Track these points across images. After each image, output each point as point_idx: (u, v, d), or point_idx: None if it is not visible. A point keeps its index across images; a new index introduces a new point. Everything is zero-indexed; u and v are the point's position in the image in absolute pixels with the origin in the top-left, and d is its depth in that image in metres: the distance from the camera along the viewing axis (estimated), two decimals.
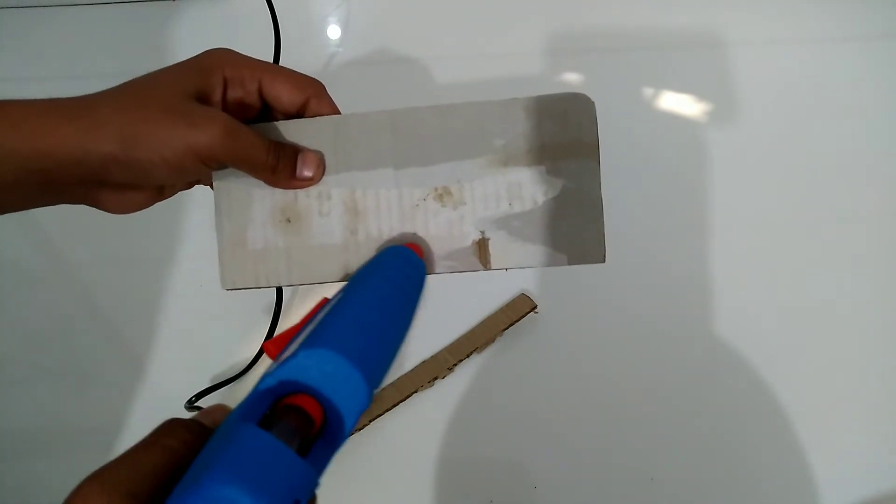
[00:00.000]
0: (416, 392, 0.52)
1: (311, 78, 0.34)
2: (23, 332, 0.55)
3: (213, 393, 0.51)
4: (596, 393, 0.53)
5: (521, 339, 0.55)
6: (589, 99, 0.33)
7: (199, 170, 0.31)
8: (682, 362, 0.54)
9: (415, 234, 0.34)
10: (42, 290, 0.57)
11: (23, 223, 0.59)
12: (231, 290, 0.34)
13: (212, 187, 0.34)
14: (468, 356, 0.53)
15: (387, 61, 0.63)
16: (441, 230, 0.34)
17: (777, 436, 0.52)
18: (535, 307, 0.55)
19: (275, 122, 0.34)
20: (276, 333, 0.52)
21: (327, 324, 0.26)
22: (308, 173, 0.33)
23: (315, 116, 0.34)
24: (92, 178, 0.29)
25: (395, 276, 0.30)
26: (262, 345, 0.28)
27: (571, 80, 0.63)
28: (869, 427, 0.53)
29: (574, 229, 0.33)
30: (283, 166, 0.33)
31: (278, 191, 0.34)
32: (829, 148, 0.61)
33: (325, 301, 0.30)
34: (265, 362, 0.53)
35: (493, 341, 0.54)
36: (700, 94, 0.63)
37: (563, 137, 0.33)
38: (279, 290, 0.51)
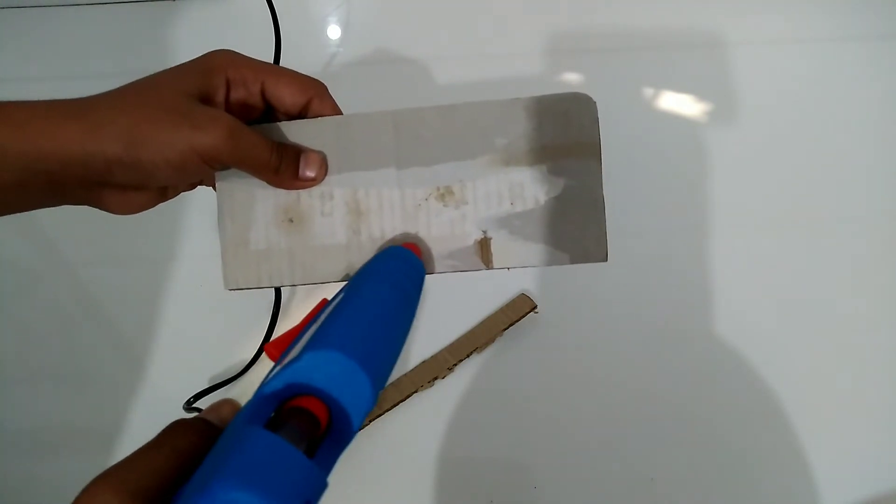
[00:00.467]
0: (416, 392, 0.52)
1: (314, 79, 0.34)
2: (23, 332, 0.55)
3: (212, 394, 0.51)
4: (596, 393, 0.53)
5: (521, 339, 0.55)
6: (590, 99, 0.33)
7: (203, 171, 0.31)
8: (682, 362, 0.54)
9: (417, 233, 0.34)
10: (42, 290, 0.57)
11: (23, 223, 0.59)
12: (234, 290, 0.34)
13: (214, 188, 0.34)
14: (468, 356, 0.53)
15: (387, 61, 0.63)
16: (443, 230, 0.34)
17: (777, 436, 0.52)
18: (535, 307, 0.55)
19: (277, 123, 0.34)
20: (274, 334, 0.52)
21: (331, 325, 0.26)
22: (311, 173, 0.33)
23: (317, 117, 0.34)
24: (95, 179, 0.29)
25: (395, 277, 0.30)
26: (263, 347, 0.28)
27: (571, 80, 0.63)
28: (869, 427, 0.53)
29: (576, 228, 0.33)
30: (286, 167, 0.33)
31: (281, 191, 0.34)
32: (829, 148, 0.61)
33: (325, 302, 0.30)
34: (263, 363, 0.53)
35: (493, 341, 0.54)
36: (700, 94, 0.63)
37: (565, 137, 0.33)
38: (277, 291, 0.51)
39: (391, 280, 0.30)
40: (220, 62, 0.32)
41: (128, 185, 0.31)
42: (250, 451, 0.21)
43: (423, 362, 0.53)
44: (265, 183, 0.34)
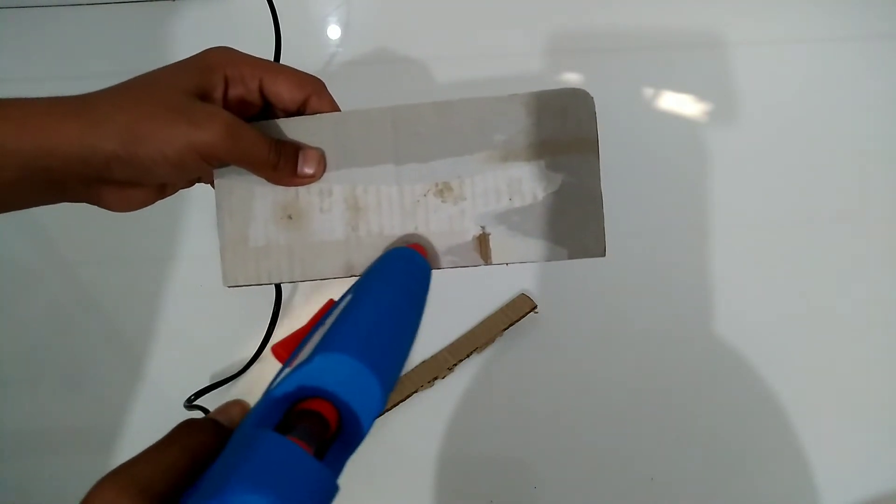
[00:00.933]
0: (416, 392, 0.52)
1: (312, 76, 0.34)
2: (23, 332, 0.55)
3: (212, 392, 0.51)
4: (596, 393, 0.53)
5: (521, 339, 0.55)
6: (588, 94, 0.33)
7: (201, 167, 0.31)
8: (682, 363, 0.54)
9: (416, 228, 0.34)
10: (42, 290, 0.57)
11: (23, 223, 0.59)
12: (232, 287, 0.34)
13: (213, 185, 0.34)
14: (468, 356, 0.53)
15: (387, 61, 0.63)
16: (442, 226, 0.34)
17: (777, 436, 0.52)
18: (535, 307, 0.55)
19: (276, 120, 0.34)
20: (275, 333, 0.52)
21: (340, 328, 0.26)
22: (309, 170, 0.33)
23: (316, 114, 0.34)
24: (94, 176, 0.29)
25: (402, 279, 0.30)
26: (271, 348, 0.28)
27: (571, 80, 0.63)
28: (869, 427, 0.53)
29: (574, 224, 0.33)
30: (285, 163, 0.33)
31: (279, 188, 0.34)
32: (828, 148, 0.61)
33: (332, 303, 0.30)
34: (264, 361, 0.53)
35: (493, 341, 0.54)
36: (700, 94, 0.63)
37: (563, 133, 0.33)
38: (278, 289, 0.51)
39: (398, 282, 0.30)
40: (219, 59, 0.32)
41: (126, 182, 0.31)
42: (262, 454, 0.21)
43: (423, 362, 0.53)
44: (264, 180, 0.34)
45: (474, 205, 0.34)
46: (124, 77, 0.31)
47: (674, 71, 0.64)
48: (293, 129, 0.34)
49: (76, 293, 0.57)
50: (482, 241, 0.34)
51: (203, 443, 0.23)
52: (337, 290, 0.31)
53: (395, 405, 0.51)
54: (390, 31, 0.64)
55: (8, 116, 0.27)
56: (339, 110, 0.35)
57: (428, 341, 0.54)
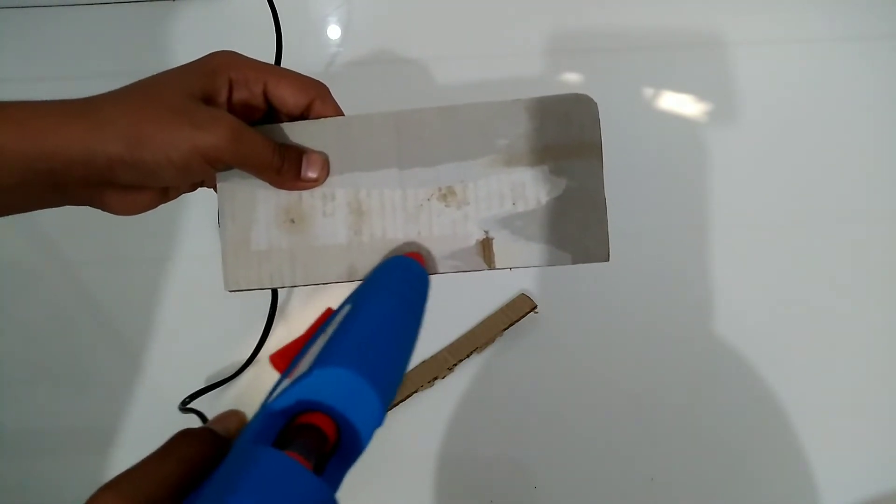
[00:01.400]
0: (416, 392, 0.52)
1: (316, 80, 0.34)
2: (23, 332, 0.55)
3: (207, 394, 0.50)
4: (596, 393, 0.53)
5: (521, 339, 0.55)
6: (591, 100, 0.33)
7: (205, 171, 0.31)
8: (683, 362, 0.54)
9: (419, 233, 0.34)
10: (42, 290, 0.57)
11: (23, 223, 0.59)
12: (234, 291, 0.34)
13: (215, 189, 0.34)
14: (468, 356, 0.53)
15: (387, 61, 0.63)
16: (445, 230, 0.34)
17: (777, 436, 0.52)
18: (535, 307, 0.55)
19: (280, 125, 0.34)
20: (269, 335, 0.52)
21: (339, 340, 0.26)
22: (313, 174, 0.33)
23: (320, 118, 0.34)
24: (97, 179, 0.29)
25: (401, 288, 0.30)
26: (269, 357, 0.27)
27: (572, 80, 0.63)
28: (869, 427, 0.53)
29: (578, 229, 0.33)
30: (288, 167, 0.33)
31: (282, 192, 0.34)
32: (828, 148, 0.61)
33: (330, 312, 0.30)
34: (258, 364, 0.53)
35: (493, 341, 0.54)
36: (700, 94, 0.63)
37: (566, 138, 0.33)
38: (274, 293, 0.51)
39: (397, 292, 0.30)
40: (223, 63, 0.32)
41: (130, 185, 0.31)
42: (260, 470, 0.21)
43: (423, 362, 0.53)
44: (267, 184, 0.34)
45: (478, 209, 0.34)
46: (124, 77, 0.31)
47: (674, 71, 0.64)
48: (297, 133, 0.34)
49: (76, 293, 0.57)
50: (485, 246, 0.34)
51: (200, 452, 0.23)
52: (334, 294, 0.31)
53: (395, 405, 0.51)
54: (391, 31, 0.64)
55: (10, 119, 0.27)
56: (343, 115, 0.35)
57: (428, 341, 0.54)
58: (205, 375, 0.53)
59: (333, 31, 0.65)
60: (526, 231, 0.34)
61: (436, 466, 0.51)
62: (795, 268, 0.57)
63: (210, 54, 0.32)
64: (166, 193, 0.34)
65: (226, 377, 0.52)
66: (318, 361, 0.25)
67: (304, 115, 0.34)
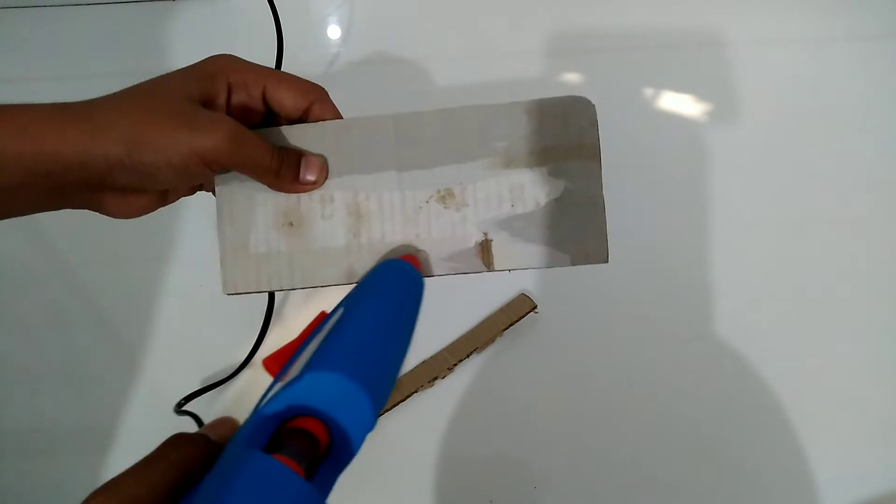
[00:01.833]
0: (416, 392, 0.52)
1: (314, 84, 0.34)
2: (23, 332, 0.55)
3: (203, 395, 0.50)
4: (596, 393, 0.53)
5: (521, 339, 0.55)
6: (589, 102, 0.33)
7: (204, 174, 0.31)
8: (683, 362, 0.54)
9: (418, 235, 0.34)
10: (42, 290, 0.57)
11: (23, 223, 0.59)
12: (232, 294, 0.34)
13: (214, 193, 0.34)
14: (468, 356, 0.53)
15: (388, 61, 0.63)
16: (444, 232, 0.34)
17: (777, 436, 0.52)
18: (535, 307, 0.55)
19: (278, 128, 0.34)
20: (265, 337, 0.52)
21: (331, 345, 0.26)
22: (311, 177, 0.33)
23: (318, 121, 0.34)
24: (96, 182, 0.29)
25: (394, 293, 0.30)
26: (262, 361, 0.28)
27: (572, 80, 0.63)
28: (869, 427, 0.53)
29: (576, 230, 0.34)
30: (287, 170, 0.33)
31: (281, 195, 0.34)
32: (828, 148, 0.61)
33: (324, 315, 0.30)
34: (254, 366, 0.53)
35: (493, 341, 0.54)
36: (700, 94, 0.63)
37: (564, 140, 0.33)
38: (271, 295, 0.51)
39: (390, 296, 0.30)
40: (222, 66, 0.32)
41: (129, 188, 0.31)
42: (250, 475, 0.21)
43: (423, 362, 0.53)
44: (265, 187, 0.34)
45: (476, 211, 0.34)
46: (124, 77, 0.31)
47: (674, 71, 0.64)
48: (296, 136, 0.34)
49: (76, 293, 0.57)
50: (484, 248, 0.34)
51: (192, 457, 0.24)
52: (331, 297, 0.31)
53: (395, 405, 0.51)
54: (391, 31, 0.64)
55: (9, 122, 0.27)
56: (342, 118, 0.35)
57: (428, 341, 0.54)
58: (203, 377, 0.53)
59: (334, 32, 0.65)
60: (525, 233, 0.34)
61: (436, 466, 0.51)
62: (795, 267, 0.57)
63: (209, 58, 0.32)
64: (165, 197, 0.34)
65: (221, 379, 0.52)
66: (310, 366, 0.25)
67: (302, 119, 0.34)
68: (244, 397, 0.53)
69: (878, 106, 0.63)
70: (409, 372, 0.53)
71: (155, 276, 0.56)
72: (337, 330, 0.27)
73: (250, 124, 0.33)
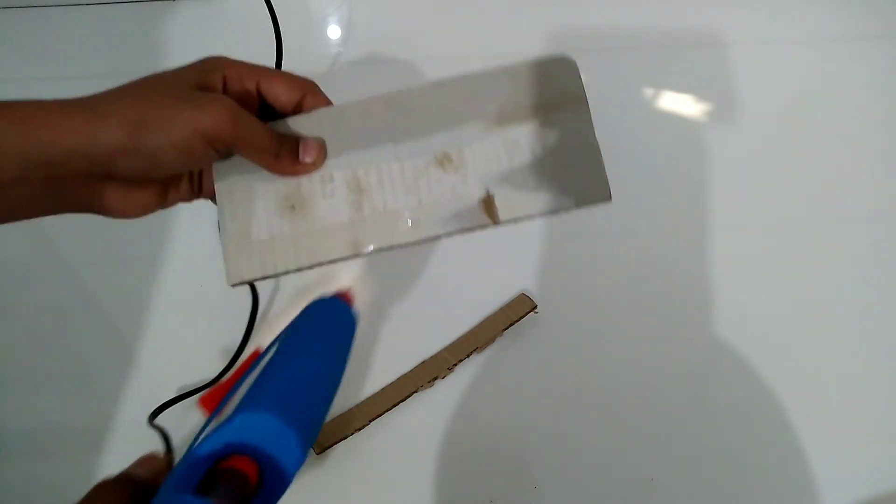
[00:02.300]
0: (416, 392, 0.52)
1: (306, 78, 0.35)
2: (23, 332, 0.55)
3: (180, 403, 0.50)
4: (596, 393, 0.53)
5: (521, 339, 0.55)
6: (571, 59, 0.35)
7: (207, 155, 0.31)
8: (683, 362, 0.54)
9: (420, 201, 0.34)
10: (42, 290, 0.57)
11: (23, 223, 0.59)
12: (237, 284, 0.34)
13: (214, 201, 0.35)
14: (468, 356, 0.53)
15: (388, 62, 0.63)
16: (446, 194, 0.34)
17: (777, 436, 0.52)
18: (535, 307, 0.55)
19: (275, 121, 0.35)
20: (248, 346, 0.52)
21: (261, 385, 0.28)
22: (309, 158, 0.34)
23: (313, 111, 0.35)
24: (99, 171, 0.29)
25: (326, 331, 0.32)
26: (198, 400, 0.29)
27: None
28: (869, 427, 0.53)
29: (576, 173, 0.35)
30: (286, 152, 0.34)
31: (281, 181, 0.34)
32: (828, 147, 0.61)
33: (258, 353, 0.30)
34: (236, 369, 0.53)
35: (493, 341, 0.54)
36: (700, 94, 0.63)
37: (552, 94, 0.35)
38: (255, 301, 0.51)
39: (321, 334, 0.31)
40: (217, 62, 0.33)
41: (131, 178, 0.31)
42: None
43: (423, 362, 0.53)
44: (264, 176, 0.34)
45: (475, 170, 0.34)
46: (124, 77, 0.32)
47: (674, 71, 0.64)
48: (292, 126, 0.35)
49: (76, 293, 0.57)
50: (488, 203, 0.34)
51: (119, 500, 0.24)
52: (270, 340, 0.32)
53: (395, 405, 0.51)
54: (391, 31, 0.64)
55: (11, 115, 0.27)
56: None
57: (428, 341, 0.54)
58: (202, 378, 0.53)
59: (334, 32, 0.65)
60: (526, 183, 0.34)
61: (436, 466, 0.51)
62: (795, 267, 0.57)
63: (204, 57, 0.33)
64: (165, 196, 0.34)
65: (198, 387, 0.52)
66: (241, 406, 0.26)
67: (296, 112, 0.35)
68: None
69: (877, 106, 0.63)
70: (409, 372, 0.53)
71: (155, 276, 0.56)
72: (268, 370, 0.29)
73: None
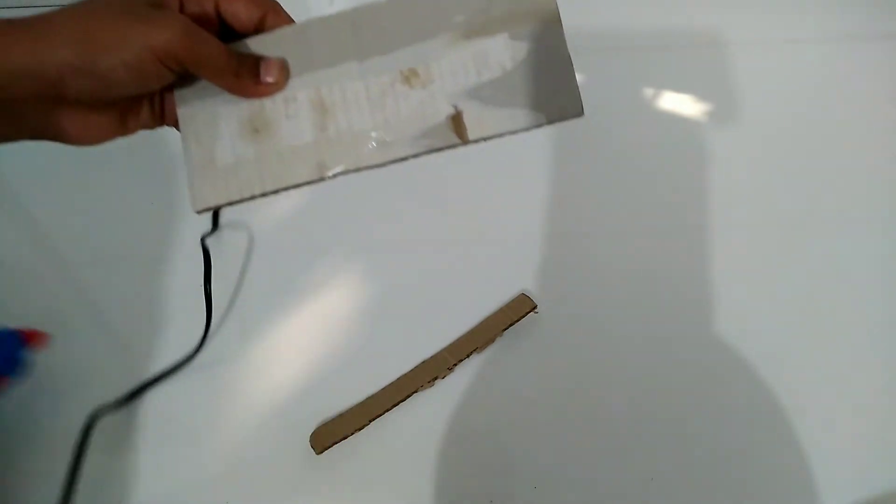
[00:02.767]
0: (416, 392, 0.52)
1: None
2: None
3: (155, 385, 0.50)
4: (595, 393, 0.53)
5: (521, 339, 0.55)
6: None
7: (161, 73, 0.30)
8: (683, 362, 0.54)
9: (386, 119, 0.33)
10: (42, 290, 0.57)
11: (23, 223, 0.59)
12: (202, 211, 0.33)
13: (178, 128, 0.34)
14: (468, 356, 0.53)
15: None
16: (413, 111, 0.33)
17: (777, 436, 0.52)
18: (535, 307, 0.55)
19: (235, 42, 0.34)
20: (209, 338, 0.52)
21: None
22: (271, 78, 0.33)
23: (275, 29, 0.34)
24: (49, 93, 0.28)
25: None
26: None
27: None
28: (869, 427, 0.53)
29: (547, 87, 0.33)
30: (246, 71, 0.32)
31: (244, 103, 0.33)
32: (828, 147, 0.61)
33: None
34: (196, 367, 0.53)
35: (493, 341, 0.54)
36: (700, 94, 0.63)
37: (522, 6, 0.34)
38: (206, 253, 0.51)
39: None
40: None
41: (84, 99, 0.30)
42: None
43: (423, 362, 0.53)
44: (227, 100, 0.33)
45: (443, 86, 0.33)
46: None
47: (674, 71, 0.64)
48: (253, 46, 0.34)
49: (76, 293, 0.57)
50: (456, 120, 0.33)
51: None
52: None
53: (395, 405, 0.51)
54: None
55: None
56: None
57: (428, 341, 0.54)
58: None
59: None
60: (495, 98, 0.33)
61: (436, 466, 0.51)
62: (795, 267, 0.57)
63: None
64: (125, 122, 0.33)
65: (156, 377, 0.52)
66: None
67: (258, 31, 0.34)
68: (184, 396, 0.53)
69: (878, 106, 0.63)
70: (409, 372, 0.53)
71: (155, 276, 0.56)
72: None
73: None
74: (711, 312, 0.56)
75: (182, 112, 0.34)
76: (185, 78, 0.33)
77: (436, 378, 0.52)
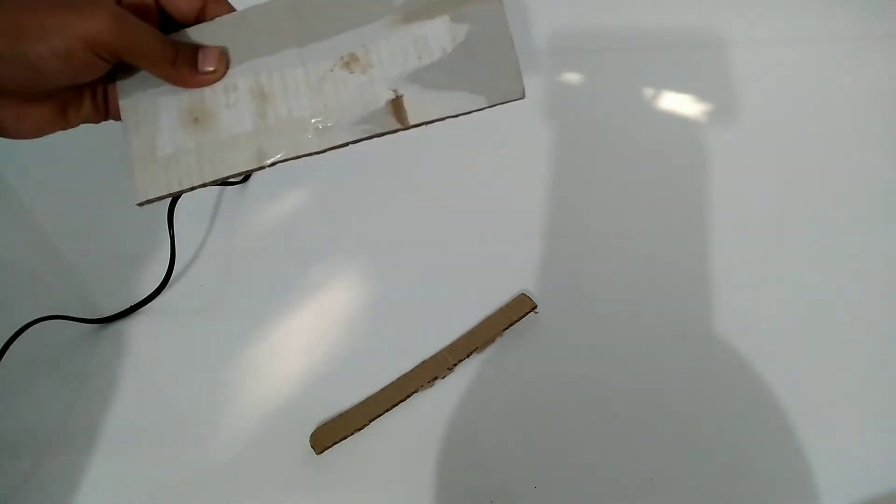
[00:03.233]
0: (416, 392, 0.52)
1: None
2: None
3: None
4: (596, 393, 0.53)
5: (521, 339, 0.55)
6: None
7: (93, 64, 0.30)
8: (683, 362, 0.54)
9: (325, 105, 0.33)
10: (42, 290, 0.57)
11: (23, 223, 0.59)
12: (144, 203, 0.33)
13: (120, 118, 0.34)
14: (468, 356, 0.53)
15: None
16: (352, 96, 0.33)
17: (777, 436, 0.52)
18: (535, 307, 0.55)
19: (175, 33, 0.33)
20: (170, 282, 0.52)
21: None
22: (210, 66, 0.33)
23: (214, 19, 0.34)
24: None
25: None
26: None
27: (572, 79, 0.63)
28: (869, 427, 0.53)
29: (488, 70, 0.33)
30: (184, 60, 0.32)
31: (184, 94, 0.33)
32: (828, 147, 0.61)
33: None
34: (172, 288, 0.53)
35: (493, 341, 0.54)
36: (700, 94, 0.63)
37: None
38: (171, 233, 0.51)
39: None
40: None
41: (18, 91, 0.30)
42: None
43: (423, 362, 0.53)
44: (169, 90, 0.33)
45: (383, 70, 0.33)
46: None
47: (674, 71, 0.64)
48: (194, 36, 0.33)
49: (76, 293, 0.57)
50: (396, 105, 0.33)
51: None
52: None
53: (395, 405, 0.51)
54: None
55: None
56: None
57: (428, 341, 0.54)
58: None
59: None
60: (436, 82, 0.33)
61: (436, 466, 0.51)
62: (795, 267, 0.57)
63: None
64: (65, 115, 0.33)
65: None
66: None
67: (199, 21, 0.34)
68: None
69: (877, 105, 0.63)
70: (409, 372, 0.53)
71: (154, 276, 0.56)
72: None
73: None
74: (711, 312, 0.56)
75: (123, 103, 0.33)
76: (126, 70, 0.33)
77: (436, 378, 0.52)
